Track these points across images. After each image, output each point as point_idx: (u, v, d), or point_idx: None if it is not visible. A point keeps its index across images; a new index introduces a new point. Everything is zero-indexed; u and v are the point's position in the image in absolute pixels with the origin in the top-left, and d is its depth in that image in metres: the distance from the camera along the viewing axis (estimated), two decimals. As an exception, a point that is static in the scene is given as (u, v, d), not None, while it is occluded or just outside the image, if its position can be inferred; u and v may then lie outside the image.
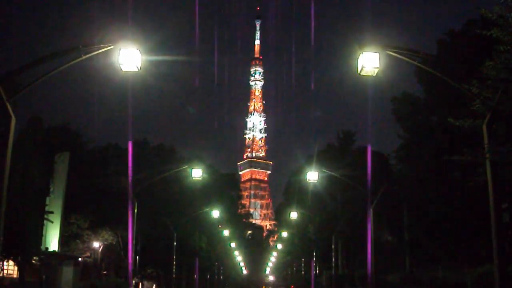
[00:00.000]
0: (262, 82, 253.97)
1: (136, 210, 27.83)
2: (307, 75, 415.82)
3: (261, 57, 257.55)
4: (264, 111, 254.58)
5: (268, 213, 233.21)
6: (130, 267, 26.67)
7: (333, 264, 43.39)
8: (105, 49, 11.71)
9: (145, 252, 40.79)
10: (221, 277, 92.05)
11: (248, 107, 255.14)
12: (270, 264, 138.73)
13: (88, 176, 39.53)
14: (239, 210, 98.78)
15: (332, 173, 30.43)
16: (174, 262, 41.69)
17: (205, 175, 30.05)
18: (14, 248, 29.25)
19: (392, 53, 11.92)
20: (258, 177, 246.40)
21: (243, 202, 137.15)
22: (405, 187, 30.84)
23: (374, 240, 25.69)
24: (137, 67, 11.76)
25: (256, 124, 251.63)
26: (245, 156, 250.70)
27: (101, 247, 42.27)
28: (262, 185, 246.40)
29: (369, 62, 11.52)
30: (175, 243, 40.69)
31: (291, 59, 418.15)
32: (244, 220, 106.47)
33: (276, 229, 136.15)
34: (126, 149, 37.40)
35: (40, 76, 11.63)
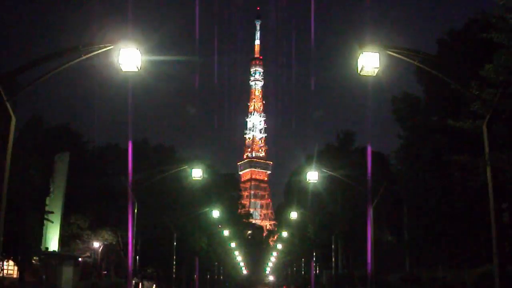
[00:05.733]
0: (262, 82, 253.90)
1: (136, 210, 27.82)
2: (307, 75, 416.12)
3: (261, 57, 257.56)
4: (264, 111, 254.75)
5: (268, 213, 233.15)
6: (130, 267, 26.65)
7: (333, 264, 43.37)
8: (105, 49, 11.69)
9: (145, 252, 40.77)
10: (221, 277, 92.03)
11: (248, 107, 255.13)
12: (270, 264, 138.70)
13: (88, 176, 39.57)
14: (239, 210, 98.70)
15: (332, 173, 30.40)
16: (174, 262, 41.67)
17: (205, 175, 30.01)
18: (14, 248, 29.27)
19: (392, 53, 11.92)
20: (258, 177, 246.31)
21: (243, 202, 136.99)
22: (405, 187, 30.82)
23: (374, 240, 25.67)
24: (137, 67, 11.75)
25: (256, 124, 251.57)
26: (245, 156, 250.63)
27: (101, 247, 42.28)
28: (262, 185, 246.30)
29: (369, 62, 11.51)
30: (175, 243, 40.68)
31: (291, 59, 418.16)
32: (244, 220, 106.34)
33: (276, 229, 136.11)
34: (126, 149, 37.38)
35: (40, 76, 11.62)
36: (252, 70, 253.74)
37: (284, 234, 75.09)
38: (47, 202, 37.11)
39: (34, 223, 32.38)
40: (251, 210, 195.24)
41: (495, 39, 11.62)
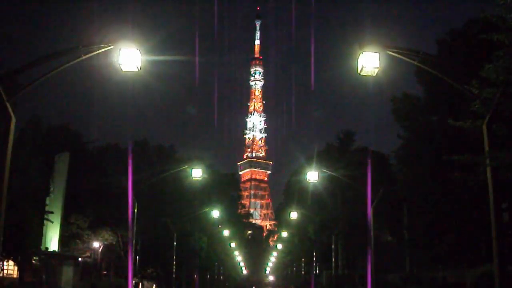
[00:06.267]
0: (262, 82, 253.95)
1: (136, 210, 27.82)
2: (307, 75, 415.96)
3: (261, 57, 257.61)
4: (264, 111, 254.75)
5: (268, 213, 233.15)
6: (130, 267, 26.63)
7: (333, 264, 43.38)
8: (105, 49, 11.69)
9: (145, 252, 40.76)
10: (221, 277, 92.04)
11: (248, 107, 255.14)
12: (270, 264, 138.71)
13: (88, 176, 39.57)
14: (239, 210, 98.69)
15: (332, 173, 30.42)
16: (174, 262, 41.68)
17: (205, 175, 30.00)
18: (14, 248, 29.26)
19: (392, 53, 11.91)
20: (258, 177, 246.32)
21: (243, 202, 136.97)
22: (405, 187, 30.80)
23: (374, 240, 25.66)
24: (137, 67, 11.75)
25: (256, 124, 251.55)
26: (245, 156, 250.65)
27: (101, 247, 42.27)
28: (262, 185, 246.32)
29: (369, 62, 11.51)
30: (175, 243, 40.69)
31: (291, 59, 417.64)
32: (244, 220, 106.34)
33: (276, 229, 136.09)
34: (126, 149, 37.43)
35: (40, 76, 11.62)
36: (252, 70, 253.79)
37: (284, 234, 75.06)
38: (47, 202, 37.09)
39: (34, 223, 32.37)
40: (251, 210, 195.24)
41: (495, 39, 11.61)
